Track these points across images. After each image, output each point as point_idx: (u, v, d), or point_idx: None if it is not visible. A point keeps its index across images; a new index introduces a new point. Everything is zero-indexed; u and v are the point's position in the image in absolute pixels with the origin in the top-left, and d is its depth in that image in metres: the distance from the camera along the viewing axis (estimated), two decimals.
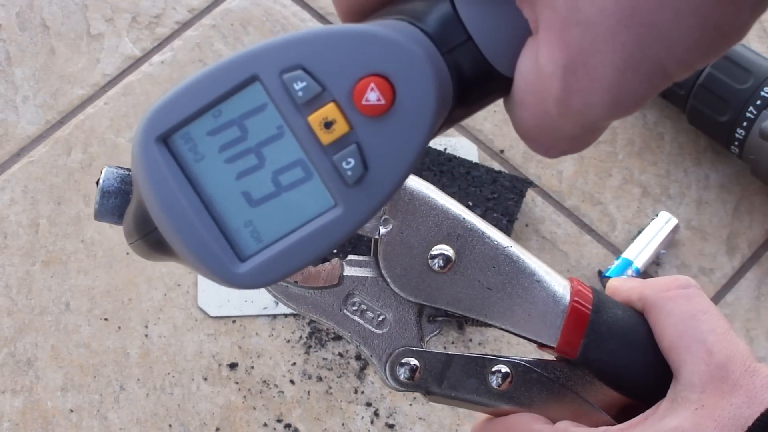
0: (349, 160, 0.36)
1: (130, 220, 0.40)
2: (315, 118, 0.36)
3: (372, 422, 0.78)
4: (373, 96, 0.35)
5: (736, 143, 0.84)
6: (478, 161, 0.87)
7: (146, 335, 0.80)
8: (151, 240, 0.39)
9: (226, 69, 0.36)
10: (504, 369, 0.48)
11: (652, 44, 0.33)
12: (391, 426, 0.77)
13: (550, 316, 0.47)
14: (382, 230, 0.47)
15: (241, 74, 0.36)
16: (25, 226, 0.85)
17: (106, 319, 0.81)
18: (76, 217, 0.85)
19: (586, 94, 0.34)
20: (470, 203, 0.83)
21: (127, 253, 0.83)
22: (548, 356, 0.49)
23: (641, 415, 0.46)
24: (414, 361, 0.48)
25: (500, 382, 0.48)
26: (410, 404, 0.78)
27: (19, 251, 0.83)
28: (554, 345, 0.47)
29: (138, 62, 0.92)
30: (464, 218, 0.47)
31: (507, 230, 0.82)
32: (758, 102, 0.83)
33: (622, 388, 0.48)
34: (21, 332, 0.80)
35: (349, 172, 0.36)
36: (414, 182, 0.47)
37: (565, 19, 0.33)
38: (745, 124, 0.83)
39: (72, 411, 0.77)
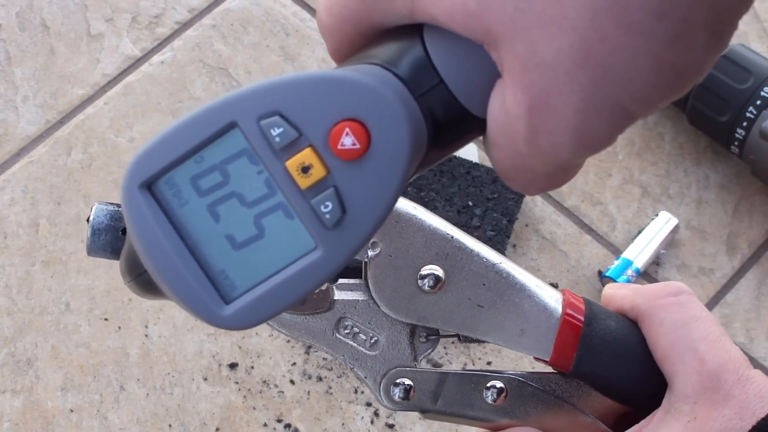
0: (327, 203, 0.37)
1: (123, 261, 0.41)
2: (292, 163, 0.36)
3: (372, 422, 0.78)
4: (348, 140, 0.36)
5: (736, 143, 0.84)
6: (478, 161, 0.87)
7: (146, 335, 0.80)
8: (142, 281, 0.40)
9: (206, 116, 0.37)
10: (499, 384, 0.48)
11: (610, 84, 0.34)
12: (391, 426, 0.78)
13: (542, 330, 0.48)
14: (371, 253, 0.48)
15: (220, 121, 0.36)
16: (25, 226, 0.85)
17: (106, 319, 0.81)
18: (76, 217, 0.85)
19: (552, 135, 0.35)
20: (470, 203, 0.83)
21: None
22: (545, 367, 0.49)
23: (636, 427, 0.46)
24: (408, 381, 0.49)
25: (495, 398, 0.48)
26: None
27: (19, 251, 0.83)
28: (547, 359, 0.48)
29: (138, 62, 0.92)
30: (452, 237, 0.48)
31: (507, 230, 0.83)
32: (758, 102, 0.83)
33: (618, 398, 0.48)
34: (21, 332, 0.80)
35: (327, 216, 0.37)
36: (401, 204, 0.48)
37: (524, 62, 0.34)
38: (745, 124, 0.83)
39: (72, 411, 0.77)
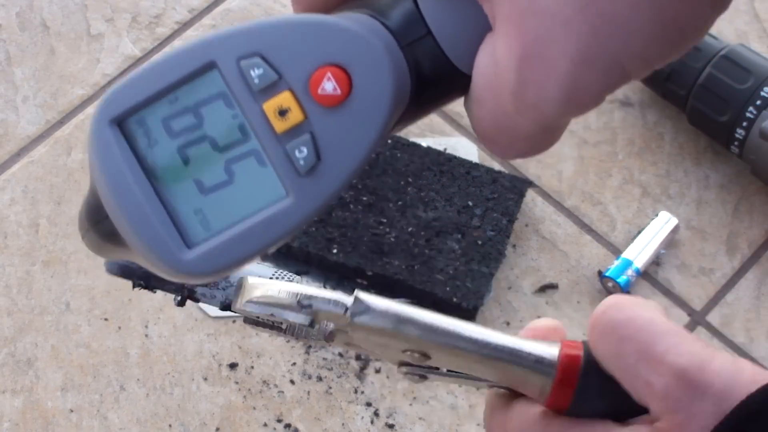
0: (302, 149, 0.36)
1: (83, 210, 0.40)
2: (270, 106, 0.36)
3: (372, 422, 0.78)
4: (329, 86, 0.35)
5: (736, 143, 0.84)
6: (478, 161, 0.87)
7: (146, 335, 0.80)
8: (102, 230, 0.39)
9: (185, 55, 0.36)
10: None
11: (609, 36, 0.33)
12: (391, 426, 0.78)
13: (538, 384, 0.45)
14: None
15: (199, 60, 0.36)
16: (25, 226, 0.85)
17: (106, 319, 0.81)
18: (76, 217, 0.85)
19: (541, 87, 0.34)
20: (470, 203, 0.83)
21: None
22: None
23: None
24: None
25: None
26: (410, 404, 0.78)
27: (19, 251, 0.83)
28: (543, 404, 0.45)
29: (138, 62, 0.92)
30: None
31: (507, 230, 0.83)
32: (758, 102, 0.83)
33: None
34: (21, 332, 0.80)
35: (301, 162, 0.36)
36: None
37: (522, 10, 0.33)
38: (745, 124, 0.83)
39: (72, 411, 0.77)
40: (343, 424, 0.77)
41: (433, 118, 0.90)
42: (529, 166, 0.88)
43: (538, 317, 0.48)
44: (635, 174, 0.88)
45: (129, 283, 0.53)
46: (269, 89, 0.35)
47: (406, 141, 0.87)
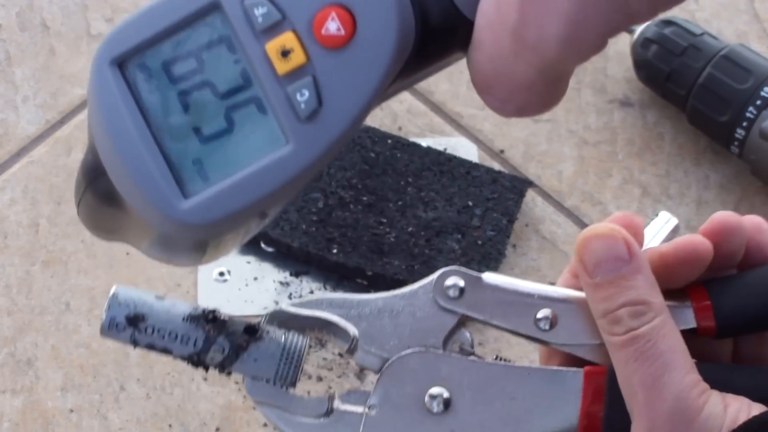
0: (304, 91, 0.35)
1: (80, 171, 0.39)
2: (272, 46, 0.35)
3: None
4: (333, 26, 0.35)
5: (736, 143, 0.84)
6: (478, 161, 0.87)
7: None
8: (98, 189, 0.38)
9: None
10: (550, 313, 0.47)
11: None
12: None
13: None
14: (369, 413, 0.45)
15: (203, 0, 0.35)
16: (25, 226, 0.85)
17: None
18: (76, 217, 0.85)
19: (541, 25, 0.33)
20: (470, 203, 0.83)
21: (127, 253, 0.82)
22: None
23: None
24: (460, 282, 0.47)
25: (547, 328, 0.47)
26: None
27: (19, 251, 0.83)
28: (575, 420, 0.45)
29: None
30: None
31: (507, 230, 0.83)
32: (758, 102, 0.83)
33: None
34: (21, 332, 0.80)
35: (302, 105, 0.35)
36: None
37: None
38: (745, 124, 0.83)
39: (72, 411, 0.78)
40: None
41: (433, 118, 0.90)
42: (529, 166, 0.88)
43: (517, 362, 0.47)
44: (635, 174, 0.88)
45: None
46: (272, 29, 0.35)
47: (406, 141, 0.87)
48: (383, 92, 0.36)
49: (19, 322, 0.81)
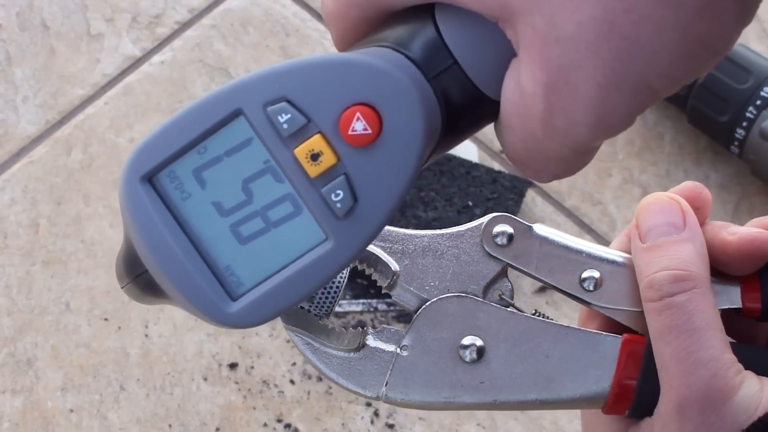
0: (338, 192, 0.35)
1: (121, 263, 0.39)
2: (301, 151, 0.35)
3: (372, 422, 0.78)
4: (359, 125, 0.35)
5: (736, 143, 0.84)
6: (478, 161, 0.87)
7: (146, 335, 0.80)
8: (142, 282, 0.38)
9: (210, 104, 0.35)
10: (595, 274, 0.46)
11: (634, 58, 0.32)
12: (391, 426, 0.78)
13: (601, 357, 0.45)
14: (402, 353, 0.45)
15: (225, 109, 0.35)
16: (25, 226, 0.85)
17: (106, 319, 0.81)
18: (76, 217, 0.85)
19: (569, 113, 0.34)
20: (470, 203, 0.83)
21: None
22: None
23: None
24: (510, 229, 0.46)
25: (592, 288, 0.46)
26: None
27: (19, 251, 0.83)
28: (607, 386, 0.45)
29: (138, 62, 0.92)
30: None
31: None
32: (758, 102, 0.83)
33: None
34: (21, 332, 0.80)
35: (338, 205, 0.35)
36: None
37: (544, 37, 0.33)
38: (745, 124, 0.83)
39: (72, 411, 0.77)
40: (343, 424, 0.77)
41: None
42: None
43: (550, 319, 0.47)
44: (635, 174, 0.88)
45: None
46: (299, 134, 0.35)
47: None
48: (417, 175, 0.36)
49: (19, 322, 0.81)
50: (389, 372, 0.45)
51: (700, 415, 0.41)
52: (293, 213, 0.36)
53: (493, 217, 0.46)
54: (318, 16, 0.95)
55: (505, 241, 0.46)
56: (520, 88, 0.34)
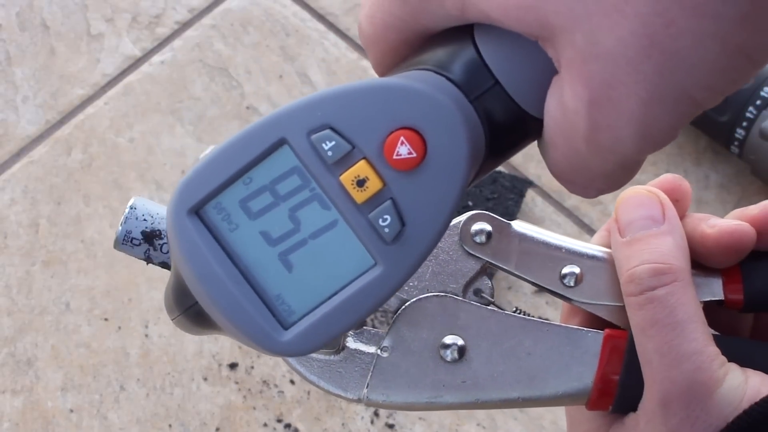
0: (386, 217, 0.35)
1: (170, 296, 0.39)
2: (347, 177, 0.35)
3: (372, 422, 0.78)
4: (404, 150, 0.35)
5: (736, 143, 0.84)
6: None
7: (146, 335, 0.80)
8: (192, 314, 0.38)
9: (253, 135, 0.35)
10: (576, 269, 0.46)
11: (675, 72, 0.32)
12: (391, 426, 0.78)
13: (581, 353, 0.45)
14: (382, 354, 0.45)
15: (269, 139, 0.35)
16: (25, 226, 0.85)
17: (106, 319, 0.81)
18: (76, 217, 0.85)
19: (614, 129, 0.34)
20: (470, 203, 0.83)
21: None
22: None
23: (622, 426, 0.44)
24: (488, 227, 0.46)
25: (572, 284, 0.46)
26: None
27: (19, 251, 0.83)
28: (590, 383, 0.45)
29: (138, 62, 0.92)
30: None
31: None
32: (758, 102, 0.83)
33: None
34: (21, 332, 0.80)
35: (386, 230, 0.35)
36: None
37: (584, 54, 0.33)
38: (745, 124, 0.83)
39: (72, 411, 0.78)
40: (343, 424, 0.77)
41: None
42: (529, 166, 0.88)
43: (539, 317, 0.47)
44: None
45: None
46: (344, 160, 0.35)
47: None
48: (463, 196, 0.36)
49: (19, 322, 0.81)
50: (370, 374, 0.45)
51: (685, 409, 0.41)
52: (341, 239, 0.36)
53: (471, 215, 0.46)
54: (318, 15, 0.95)
55: (483, 239, 0.46)
56: (563, 105, 0.34)
